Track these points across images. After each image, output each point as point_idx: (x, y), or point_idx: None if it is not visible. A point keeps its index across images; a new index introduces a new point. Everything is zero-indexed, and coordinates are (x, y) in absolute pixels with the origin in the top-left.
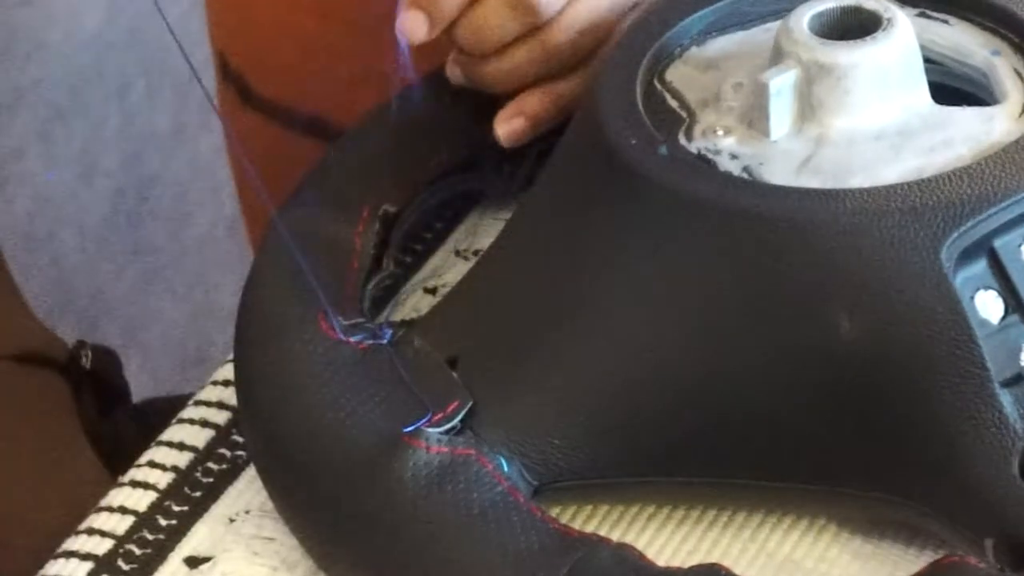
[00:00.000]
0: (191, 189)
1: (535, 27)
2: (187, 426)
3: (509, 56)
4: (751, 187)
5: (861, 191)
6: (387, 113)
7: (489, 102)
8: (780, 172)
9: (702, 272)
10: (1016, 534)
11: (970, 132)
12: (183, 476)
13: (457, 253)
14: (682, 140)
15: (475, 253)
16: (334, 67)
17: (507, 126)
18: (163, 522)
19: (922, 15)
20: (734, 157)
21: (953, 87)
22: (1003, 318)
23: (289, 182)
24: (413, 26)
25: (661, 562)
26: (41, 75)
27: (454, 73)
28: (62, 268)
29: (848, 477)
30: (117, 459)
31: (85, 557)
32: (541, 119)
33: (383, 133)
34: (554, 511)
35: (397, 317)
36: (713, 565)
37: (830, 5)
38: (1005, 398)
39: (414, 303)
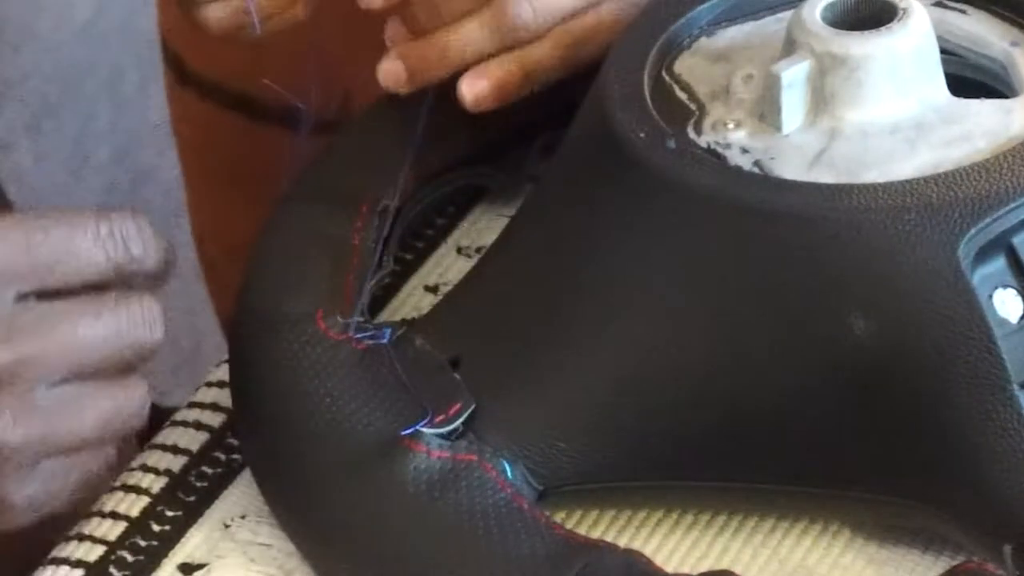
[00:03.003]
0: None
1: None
2: (181, 429)
3: (468, 26)
4: (762, 182)
5: (875, 186)
6: (387, 107)
7: None
8: (792, 166)
9: (711, 269)
10: None
11: (988, 125)
12: (177, 480)
13: (459, 250)
14: (691, 134)
15: (478, 250)
16: (265, 43)
17: (471, 88)
18: (156, 528)
19: (939, 5)
20: (745, 151)
21: (971, 79)
22: (1022, 317)
23: (233, 165)
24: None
25: (670, 568)
26: (31, 67)
27: (395, 68)
28: None
29: (862, 480)
30: None
31: (76, 564)
32: (507, 85)
33: (383, 127)
34: (559, 516)
35: (397, 316)
36: (724, 572)
37: None
38: None
39: (415, 302)
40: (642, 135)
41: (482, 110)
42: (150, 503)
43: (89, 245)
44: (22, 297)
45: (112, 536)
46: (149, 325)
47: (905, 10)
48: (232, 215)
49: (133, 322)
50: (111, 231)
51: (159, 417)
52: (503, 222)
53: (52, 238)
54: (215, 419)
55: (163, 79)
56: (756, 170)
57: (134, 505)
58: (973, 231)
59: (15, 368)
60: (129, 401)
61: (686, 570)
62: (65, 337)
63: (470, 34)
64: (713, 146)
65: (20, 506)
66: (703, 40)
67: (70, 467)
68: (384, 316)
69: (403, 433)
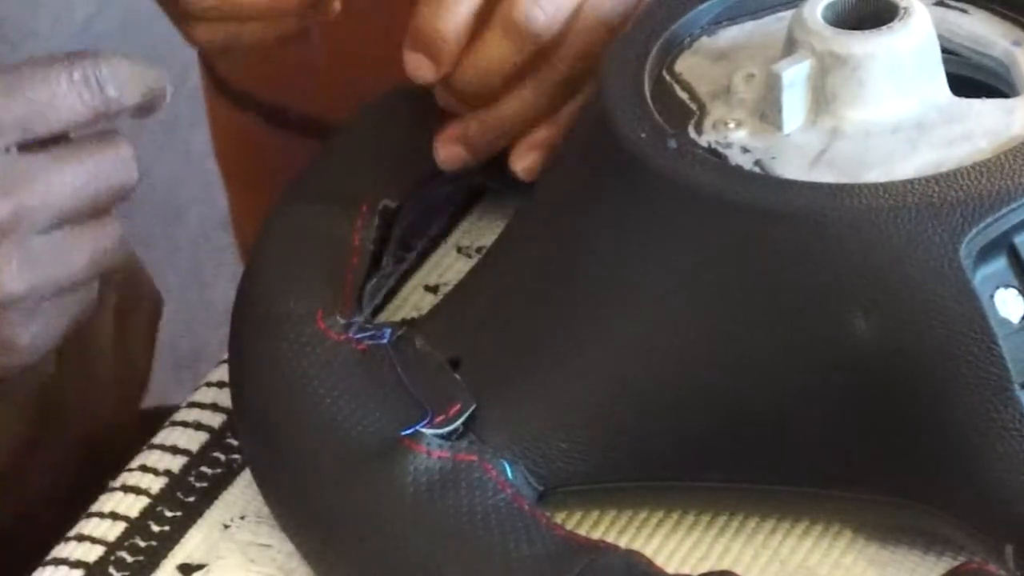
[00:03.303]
0: (184, 184)
1: (538, 57)
2: (180, 429)
3: (519, 96)
4: (763, 181)
5: (877, 186)
6: (386, 105)
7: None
8: (793, 166)
9: (712, 269)
10: None
11: (990, 125)
12: (176, 480)
13: (459, 250)
14: (692, 133)
15: (478, 250)
16: (298, 54)
17: (523, 163)
18: (155, 528)
19: (940, 4)
20: (746, 151)
21: (972, 79)
22: (1023, 317)
23: (269, 175)
24: (417, 70)
25: (671, 569)
26: None
27: (457, 152)
28: None
29: (863, 481)
30: None
31: (75, 565)
32: (552, 149)
33: (383, 125)
34: (560, 517)
35: (397, 316)
36: (724, 572)
37: None
38: None
39: (415, 302)
40: (643, 135)
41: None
42: (150, 503)
43: (65, 91)
44: (7, 149)
45: (111, 536)
46: (126, 167)
47: (906, 9)
48: None
49: (112, 166)
50: (84, 76)
51: (159, 417)
52: (503, 222)
53: (30, 89)
54: (215, 419)
55: (202, 89)
56: (757, 170)
57: (133, 505)
58: (974, 231)
59: (14, 218)
60: (110, 240)
61: (687, 571)
62: (55, 185)
63: (525, 104)
64: (714, 146)
65: (26, 348)
66: (704, 39)
67: (64, 307)
68: (384, 316)
69: (403, 433)
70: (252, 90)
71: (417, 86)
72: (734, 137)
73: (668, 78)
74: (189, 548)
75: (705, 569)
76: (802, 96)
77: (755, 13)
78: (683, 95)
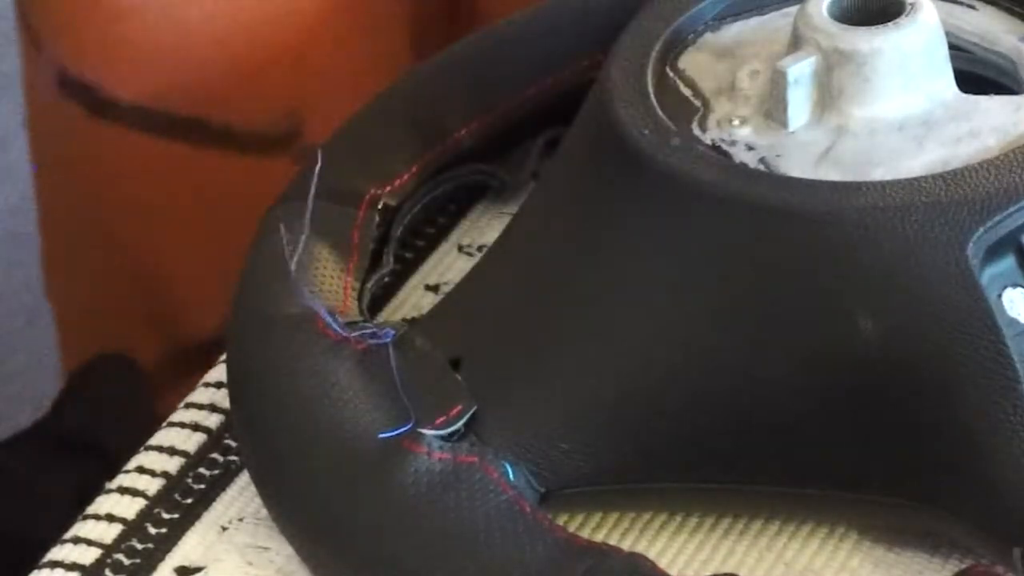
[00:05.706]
0: None
1: None
2: (177, 430)
3: None
4: (767, 179)
5: (883, 184)
6: (384, 104)
7: (491, 92)
8: (798, 164)
9: (716, 268)
10: None
11: (998, 122)
12: (173, 482)
13: (460, 249)
14: (696, 130)
15: (479, 249)
16: (213, 57)
17: None
18: (152, 530)
19: (947, 0)
20: (750, 148)
21: (980, 75)
22: None
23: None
24: None
25: (674, 572)
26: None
27: None
28: None
29: (869, 483)
30: None
31: (71, 567)
32: None
33: (382, 123)
34: (562, 519)
35: (397, 316)
36: (728, 575)
37: None
38: None
39: (415, 301)
40: (646, 132)
41: None
42: (146, 505)
43: None
44: None
45: (108, 539)
46: None
47: (913, 5)
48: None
49: None
50: None
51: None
52: (505, 220)
53: None
54: (213, 420)
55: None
56: (762, 167)
57: (130, 507)
58: (982, 230)
59: None
60: None
61: (690, 574)
62: None
63: None
64: (718, 143)
65: None
66: (708, 36)
67: None
68: (384, 316)
69: (381, 436)
70: (150, 105)
71: (414, 83)
72: (738, 134)
73: (671, 75)
74: (186, 550)
75: (709, 572)
76: (807, 93)
77: (760, 9)
78: (687, 92)
